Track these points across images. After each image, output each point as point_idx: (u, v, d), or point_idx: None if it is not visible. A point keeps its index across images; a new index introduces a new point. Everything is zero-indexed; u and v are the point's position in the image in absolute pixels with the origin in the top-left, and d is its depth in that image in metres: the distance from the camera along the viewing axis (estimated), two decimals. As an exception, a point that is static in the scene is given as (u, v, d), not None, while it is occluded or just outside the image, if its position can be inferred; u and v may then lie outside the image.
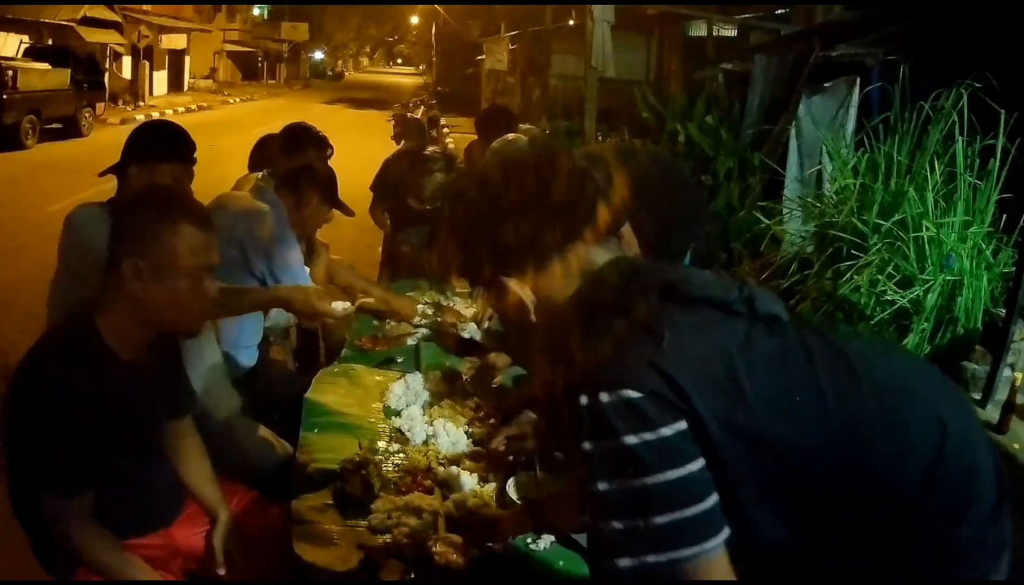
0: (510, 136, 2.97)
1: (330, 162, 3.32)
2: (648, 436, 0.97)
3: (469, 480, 1.96)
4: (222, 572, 1.82)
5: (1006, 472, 1.10)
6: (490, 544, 1.69)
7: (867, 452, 1.03)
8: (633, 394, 0.97)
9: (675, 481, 0.97)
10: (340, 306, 2.37)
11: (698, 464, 0.99)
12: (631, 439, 0.97)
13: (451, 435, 2.20)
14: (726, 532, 0.99)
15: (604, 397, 0.98)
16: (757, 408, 1.01)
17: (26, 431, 1.58)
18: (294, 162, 2.97)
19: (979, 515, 1.04)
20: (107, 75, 19.57)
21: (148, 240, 1.59)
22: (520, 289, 1.14)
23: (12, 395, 1.57)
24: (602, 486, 0.99)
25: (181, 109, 23.07)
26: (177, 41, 28.20)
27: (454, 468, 2.01)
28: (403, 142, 5.39)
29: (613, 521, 0.98)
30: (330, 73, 55.29)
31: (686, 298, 1.07)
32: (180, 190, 1.73)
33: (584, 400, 0.99)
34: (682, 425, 0.98)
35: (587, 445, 1.00)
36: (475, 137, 4.78)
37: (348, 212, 3.10)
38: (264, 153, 3.58)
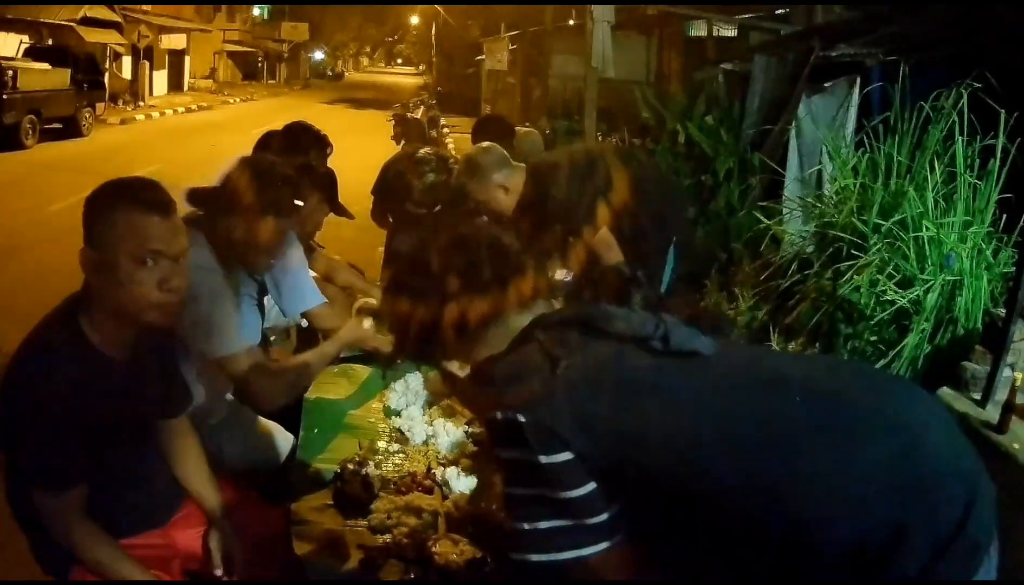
0: (484, 143, 3.13)
1: (330, 162, 3.32)
2: (528, 457, 1.07)
3: (469, 480, 1.96)
4: (219, 572, 1.82)
5: (982, 470, 1.10)
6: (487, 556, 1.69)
7: (797, 480, 1.03)
8: (521, 418, 1.08)
9: (560, 500, 1.07)
10: (367, 324, 2.35)
11: (582, 491, 1.07)
12: (510, 454, 1.09)
13: (451, 435, 2.20)
14: (609, 543, 1.08)
15: (499, 415, 1.10)
16: (652, 444, 1.07)
17: (14, 427, 1.57)
18: (294, 162, 2.96)
19: (947, 521, 1.02)
20: (107, 75, 19.53)
21: (93, 227, 1.56)
22: (460, 370, 1.25)
23: (1, 392, 1.57)
24: (506, 488, 1.14)
25: (181, 109, 23.08)
26: (177, 41, 28.18)
27: (454, 468, 2.01)
28: (403, 143, 5.39)
29: (512, 520, 1.11)
30: (330, 73, 55.21)
31: (603, 334, 1.14)
32: (140, 178, 1.65)
33: (490, 415, 1.12)
34: (564, 456, 1.06)
35: (494, 452, 1.13)
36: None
37: (347, 215, 3.10)
38: (266, 151, 3.57)
